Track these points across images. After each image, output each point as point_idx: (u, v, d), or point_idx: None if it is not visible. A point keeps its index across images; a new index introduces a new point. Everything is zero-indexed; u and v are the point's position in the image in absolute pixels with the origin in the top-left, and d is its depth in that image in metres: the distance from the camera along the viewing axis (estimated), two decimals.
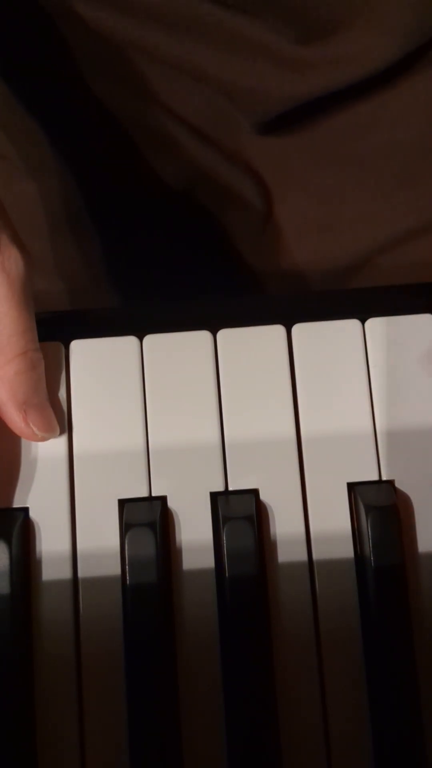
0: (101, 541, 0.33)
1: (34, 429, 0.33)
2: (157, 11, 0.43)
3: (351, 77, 0.45)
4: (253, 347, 0.35)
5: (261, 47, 0.44)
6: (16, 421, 0.33)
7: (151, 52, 0.45)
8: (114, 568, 0.33)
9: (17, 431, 0.33)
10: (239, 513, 0.32)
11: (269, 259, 0.54)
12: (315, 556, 0.33)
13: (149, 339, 0.35)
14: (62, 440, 0.34)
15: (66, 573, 0.33)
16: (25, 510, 0.34)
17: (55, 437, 0.34)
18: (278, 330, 0.35)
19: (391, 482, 0.34)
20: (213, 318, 0.36)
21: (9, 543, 0.32)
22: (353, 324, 0.35)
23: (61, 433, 0.34)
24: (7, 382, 0.32)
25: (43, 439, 0.34)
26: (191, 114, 0.48)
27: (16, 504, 0.34)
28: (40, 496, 0.34)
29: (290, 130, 0.49)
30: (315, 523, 0.33)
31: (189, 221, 0.52)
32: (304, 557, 0.33)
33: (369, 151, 0.49)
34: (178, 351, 0.35)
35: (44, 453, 0.34)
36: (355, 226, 0.52)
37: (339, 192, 0.51)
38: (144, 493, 0.34)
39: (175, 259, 0.53)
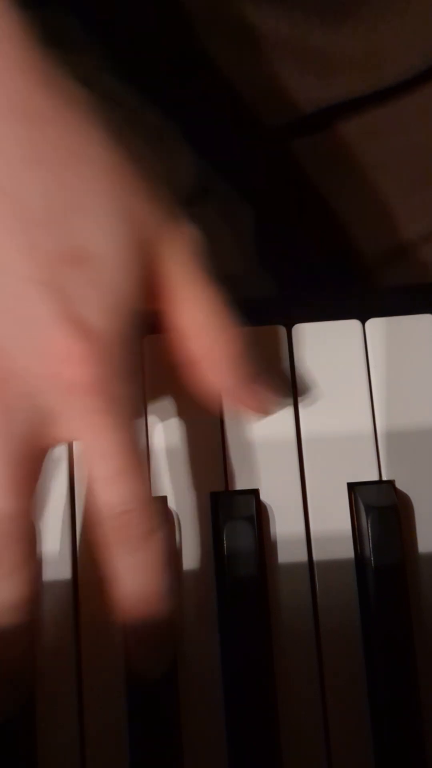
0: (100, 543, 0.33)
1: (265, 402, 0.33)
2: (187, 9, 0.43)
3: (374, 84, 0.45)
4: (253, 348, 0.35)
5: (288, 44, 0.43)
6: (247, 399, 0.32)
7: (175, 49, 0.45)
8: None
9: (251, 409, 0.33)
10: (239, 513, 0.32)
11: (280, 262, 0.54)
12: (315, 557, 0.33)
13: (149, 340, 0.35)
14: None
15: (66, 574, 0.33)
16: None
17: (285, 404, 0.34)
18: (279, 330, 0.35)
19: (391, 482, 0.34)
20: None
21: None
22: (353, 324, 0.35)
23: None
24: (232, 364, 0.31)
25: (275, 410, 0.34)
26: (208, 113, 0.48)
27: None
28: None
29: (306, 134, 0.49)
30: (315, 523, 0.33)
31: (199, 223, 0.52)
32: (304, 557, 0.33)
33: (384, 154, 0.49)
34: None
35: None
36: (370, 230, 0.52)
37: (353, 195, 0.51)
38: None
39: None
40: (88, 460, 0.29)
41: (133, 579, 0.29)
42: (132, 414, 0.29)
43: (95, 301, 0.27)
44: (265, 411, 0.33)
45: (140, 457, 0.29)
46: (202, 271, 0.30)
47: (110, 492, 0.28)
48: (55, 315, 0.27)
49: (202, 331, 0.30)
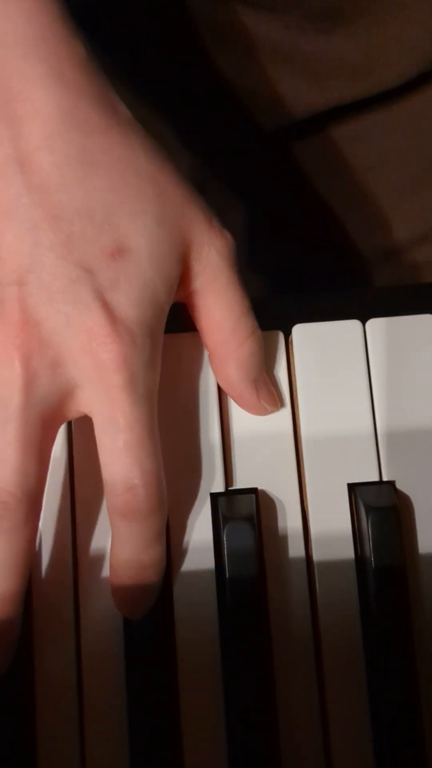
0: (100, 543, 0.33)
1: (264, 404, 0.34)
2: (182, 15, 0.43)
3: (366, 90, 0.45)
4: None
5: (281, 50, 0.43)
6: (250, 399, 0.34)
7: (172, 55, 0.45)
8: None
9: (250, 408, 0.34)
10: (239, 513, 0.32)
11: (272, 266, 0.54)
12: (315, 557, 0.33)
13: None
14: (60, 441, 0.34)
15: (67, 573, 0.33)
16: None
17: (277, 411, 0.34)
18: (277, 334, 0.35)
19: (391, 483, 0.34)
20: None
21: None
22: (354, 324, 0.35)
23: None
24: (242, 364, 0.33)
25: (269, 413, 0.34)
26: (202, 116, 0.48)
27: None
28: None
29: (299, 137, 0.49)
30: (315, 524, 0.33)
31: None
32: (305, 558, 0.33)
33: (376, 158, 0.49)
34: (178, 353, 0.35)
35: None
36: (361, 233, 0.52)
37: (345, 199, 0.51)
38: None
39: None
40: (99, 433, 0.30)
41: (129, 550, 0.30)
42: (151, 397, 0.30)
43: (127, 292, 0.30)
44: (261, 413, 0.34)
45: (154, 437, 0.30)
46: (229, 273, 0.32)
47: (117, 464, 0.30)
48: (90, 296, 0.29)
49: (216, 328, 0.32)
